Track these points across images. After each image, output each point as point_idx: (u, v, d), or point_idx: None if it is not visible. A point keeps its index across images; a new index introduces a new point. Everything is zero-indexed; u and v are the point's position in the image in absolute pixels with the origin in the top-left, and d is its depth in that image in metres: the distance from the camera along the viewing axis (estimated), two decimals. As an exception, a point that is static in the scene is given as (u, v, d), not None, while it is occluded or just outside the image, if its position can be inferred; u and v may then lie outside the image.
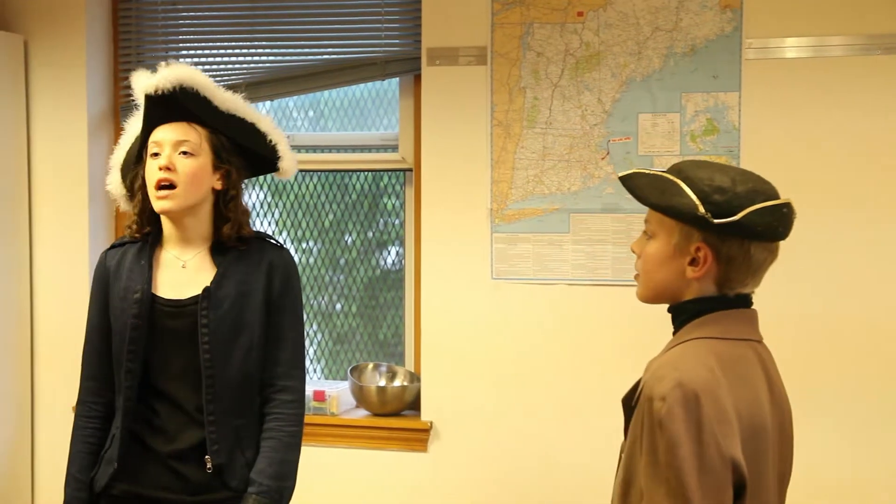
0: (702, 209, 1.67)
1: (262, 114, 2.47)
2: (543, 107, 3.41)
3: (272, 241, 2.46)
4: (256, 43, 3.78)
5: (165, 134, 2.32)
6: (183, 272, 2.37)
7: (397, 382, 3.73)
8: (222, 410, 2.32)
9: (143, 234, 2.40)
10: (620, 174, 1.84)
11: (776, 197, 1.71)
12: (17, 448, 3.79)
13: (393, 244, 3.89)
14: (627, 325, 3.30)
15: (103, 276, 2.41)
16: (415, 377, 3.68)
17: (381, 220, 3.90)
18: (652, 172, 1.78)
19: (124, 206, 2.50)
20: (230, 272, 2.36)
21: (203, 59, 3.83)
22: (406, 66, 3.63)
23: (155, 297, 2.33)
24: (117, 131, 3.90)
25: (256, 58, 3.78)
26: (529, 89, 3.42)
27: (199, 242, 2.39)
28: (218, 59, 3.81)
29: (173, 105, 2.32)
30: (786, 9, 3.25)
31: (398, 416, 3.64)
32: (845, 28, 3.21)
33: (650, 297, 1.82)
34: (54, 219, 3.83)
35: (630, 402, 1.76)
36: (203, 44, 3.86)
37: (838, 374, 3.22)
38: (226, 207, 2.38)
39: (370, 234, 3.91)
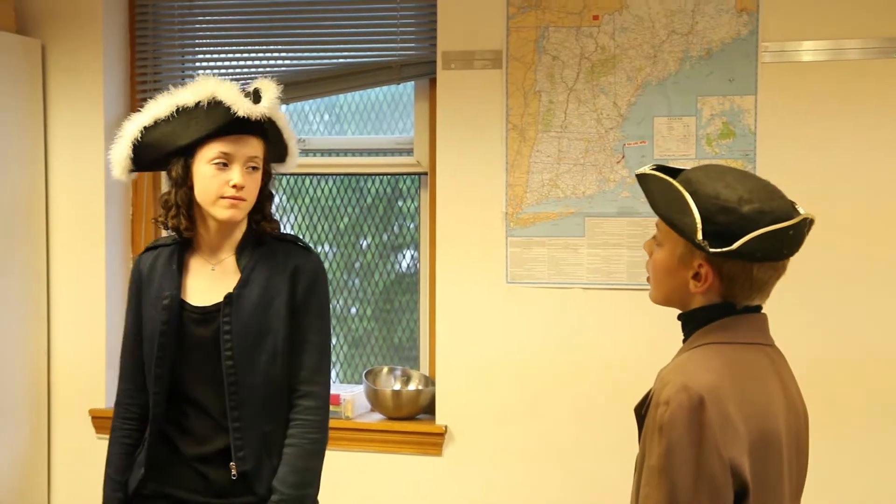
0: (699, 236, 1.65)
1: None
2: (559, 110, 3.41)
3: (301, 244, 2.44)
4: (273, 47, 3.79)
5: (239, 148, 2.28)
6: (211, 277, 2.36)
7: (412, 386, 3.73)
8: (248, 417, 2.30)
9: (178, 232, 2.35)
10: (637, 171, 1.83)
11: (784, 217, 1.66)
12: (34, 453, 3.80)
13: (408, 248, 3.89)
14: (643, 328, 3.29)
15: (137, 280, 2.41)
16: (430, 381, 3.68)
17: (397, 223, 3.90)
18: (666, 179, 1.75)
19: (119, 175, 2.38)
20: (254, 277, 2.34)
21: (219, 64, 3.84)
22: (421, 70, 3.63)
23: (183, 304, 2.33)
24: (134, 135, 3.91)
25: (272, 62, 3.79)
26: (545, 93, 3.41)
27: (229, 245, 2.37)
28: (234, 63, 3.82)
29: (250, 121, 2.30)
30: (802, 12, 3.23)
31: (413, 420, 3.64)
32: (862, 31, 3.19)
33: (661, 301, 1.82)
34: (71, 223, 3.84)
35: (641, 411, 1.75)
36: (219, 48, 3.87)
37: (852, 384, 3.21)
38: (264, 205, 2.38)
39: (385, 238, 3.91)
